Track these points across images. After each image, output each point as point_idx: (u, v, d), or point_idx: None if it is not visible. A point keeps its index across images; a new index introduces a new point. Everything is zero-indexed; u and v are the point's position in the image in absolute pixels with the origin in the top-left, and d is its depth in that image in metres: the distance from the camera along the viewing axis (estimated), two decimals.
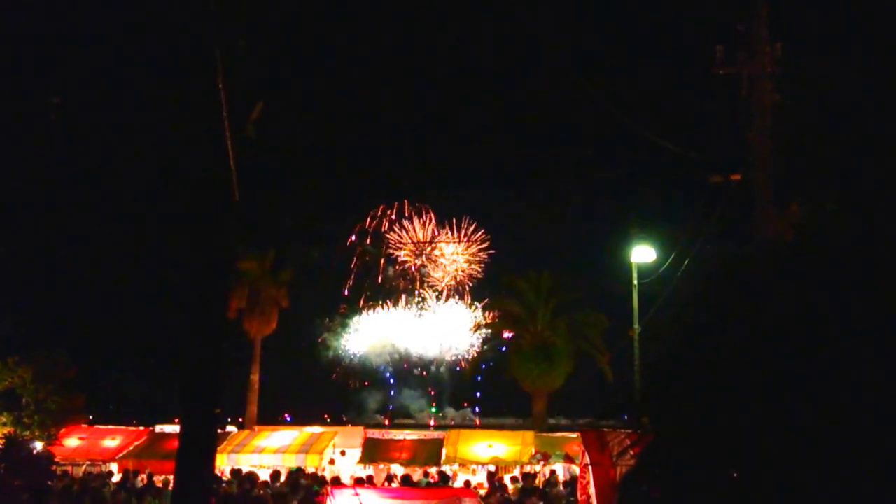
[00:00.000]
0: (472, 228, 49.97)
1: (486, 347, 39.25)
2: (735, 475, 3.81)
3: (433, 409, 52.86)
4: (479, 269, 49.77)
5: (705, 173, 13.90)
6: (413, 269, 50.77)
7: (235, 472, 19.86)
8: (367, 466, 22.39)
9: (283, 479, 18.82)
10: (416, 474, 20.78)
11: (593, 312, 32.67)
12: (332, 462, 22.91)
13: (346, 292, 50.25)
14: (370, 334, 50.60)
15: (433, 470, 21.23)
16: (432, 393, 51.40)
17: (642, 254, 21.47)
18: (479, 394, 49.83)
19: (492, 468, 21.63)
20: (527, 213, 54.33)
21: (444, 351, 50.22)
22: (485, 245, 49.34)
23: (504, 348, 37.01)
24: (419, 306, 50.78)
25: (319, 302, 49.56)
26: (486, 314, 41.63)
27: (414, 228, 50.35)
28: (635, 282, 21.40)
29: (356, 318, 50.47)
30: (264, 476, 19.74)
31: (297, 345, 47.59)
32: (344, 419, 46.92)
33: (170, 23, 11.04)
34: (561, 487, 18.86)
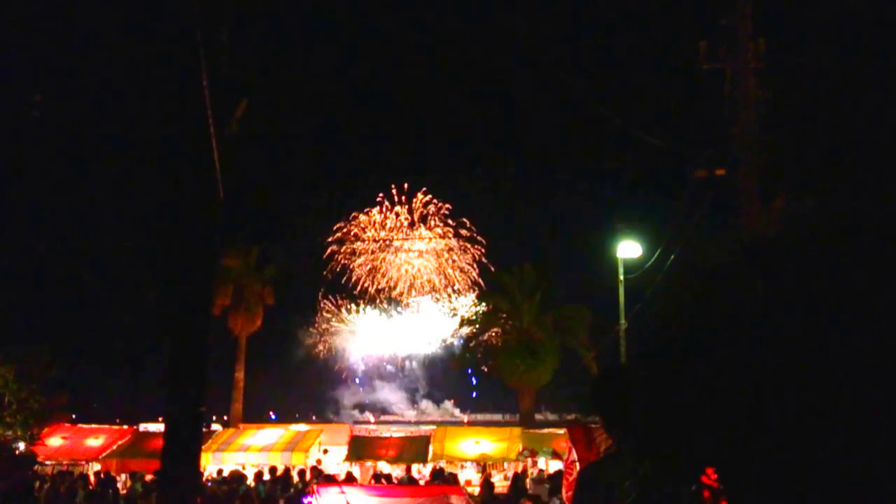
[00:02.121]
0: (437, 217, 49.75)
1: (472, 343, 39.16)
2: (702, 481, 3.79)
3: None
4: (461, 261, 49.71)
5: (690, 168, 13.90)
6: (376, 266, 50.81)
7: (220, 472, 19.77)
8: (353, 464, 22.34)
9: (266, 477, 18.75)
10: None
11: (579, 307, 32.66)
12: (318, 462, 22.85)
13: (321, 291, 50.28)
14: (344, 331, 50.66)
15: (418, 467, 21.22)
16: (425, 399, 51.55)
17: (628, 249, 21.48)
18: (474, 393, 49.87)
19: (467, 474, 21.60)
20: (513, 208, 54.42)
21: (421, 347, 50.32)
22: (450, 237, 49.19)
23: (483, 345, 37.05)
24: (392, 303, 50.85)
25: (303, 299, 49.55)
26: (474, 310, 41.59)
27: (377, 224, 50.30)
28: (621, 277, 21.42)
29: (329, 315, 50.55)
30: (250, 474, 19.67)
31: (279, 342, 47.54)
32: (330, 417, 46.91)
33: (152, 18, 10.94)
34: (547, 484, 18.88)
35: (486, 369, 38.04)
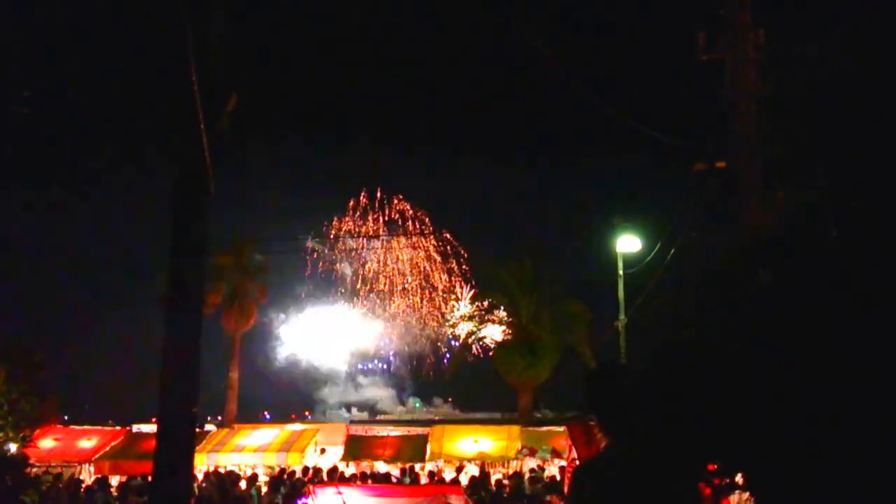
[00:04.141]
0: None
1: (470, 340, 39.02)
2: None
3: (417, 404, 52.76)
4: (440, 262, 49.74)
5: (689, 161, 13.73)
6: (359, 267, 50.87)
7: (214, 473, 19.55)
8: (349, 464, 22.14)
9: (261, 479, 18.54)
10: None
11: (578, 303, 32.38)
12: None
13: (303, 291, 50.29)
14: (328, 329, 50.57)
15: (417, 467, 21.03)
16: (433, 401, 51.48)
17: (627, 243, 21.29)
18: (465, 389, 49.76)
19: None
20: (509, 203, 54.37)
21: (410, 344, 50.29)
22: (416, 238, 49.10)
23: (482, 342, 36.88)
24: (375, 301, 50.86)
25: (287, 299, 49.55)
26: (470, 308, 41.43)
27: (351, 232, 50.39)
28: (621, 272, 21.23)
29: (314, 313, 50.50)
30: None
31: (265, 341, 47.51)
32: (326, 415, 46.82)
33: (140, 10, 10.74)
34: (542, 483, 18.71)
35: (476, 354, 37.92)
